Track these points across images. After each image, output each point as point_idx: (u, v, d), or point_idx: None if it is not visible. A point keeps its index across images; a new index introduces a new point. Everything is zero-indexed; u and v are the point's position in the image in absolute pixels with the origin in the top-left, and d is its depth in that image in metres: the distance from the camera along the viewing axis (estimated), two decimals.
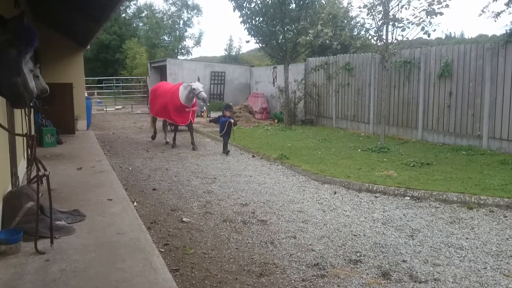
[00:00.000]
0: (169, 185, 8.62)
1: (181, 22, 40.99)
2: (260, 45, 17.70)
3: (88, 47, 18.25)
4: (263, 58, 35.78)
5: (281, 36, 16.74)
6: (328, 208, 7.02)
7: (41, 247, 4.60)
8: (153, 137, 14.48)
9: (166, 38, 40.58)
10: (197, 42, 42.67)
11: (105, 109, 28.05)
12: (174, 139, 13.55)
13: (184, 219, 6.47)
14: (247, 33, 17.19)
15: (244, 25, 16.83)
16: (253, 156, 11.63)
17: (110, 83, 34.43)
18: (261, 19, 16.45)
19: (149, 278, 3.99)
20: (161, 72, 26.07)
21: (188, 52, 42.22)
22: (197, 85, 12.28)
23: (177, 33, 40.51)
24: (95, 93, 33.69)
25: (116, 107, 29.53)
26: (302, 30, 14.45)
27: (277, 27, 16.39)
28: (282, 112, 18.39)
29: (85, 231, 5.24)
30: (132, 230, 5.25)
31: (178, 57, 38.15)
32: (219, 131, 12.27)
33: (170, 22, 40.22)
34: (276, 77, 20.75)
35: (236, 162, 10.96)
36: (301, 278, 4.52)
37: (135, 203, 7.21)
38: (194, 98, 12.52)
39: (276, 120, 18.94)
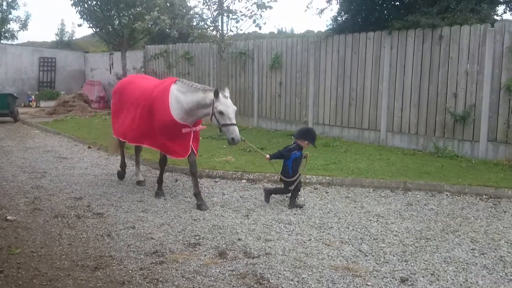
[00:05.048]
0: None
1: (4, 3, 36.27)
2: (94, 29, 16.75)
3: None
4: (99, 44, 33.72)
5: (116, 22, 16.06)
6: (169, 195, 7.04)
7: None
8: (121, 174, 8.11)
9: None
10: (24, 26, 38.23)
11: None
12: (122, 165, 8.15)
13: (8, 218, 5.86)
14: (80, 16, 16.13)
15: (75, 8, 15.73)
16: (89, 147, 11.03)
17: None
18: (94, 2, 15.54)
19: None
20: None
21: (13, 36, 37.56)
22: (227, 105, 6.18)
23: (0, 15, 35.76)
24: None
25: None
26: (139, 16, 14.07)
27: (112, 11, 15.67)
28: None
29: None
30: None
31: (1, 41, 33.80)
32: (284, 173, 6.53)
33: None
34: (113, 64, 19.92)
35: (70, 154, 10.27)
36: (139, 267, 4.46)
37: None
38: (202, 114, 6.50)
39: None
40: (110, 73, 19.98)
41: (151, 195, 7.02)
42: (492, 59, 8.93)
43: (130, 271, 4.40)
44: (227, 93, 6.29)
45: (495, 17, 11.09)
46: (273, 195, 6.74)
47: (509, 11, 11.87)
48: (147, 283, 4.16)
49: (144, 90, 7.00)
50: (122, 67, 16.70)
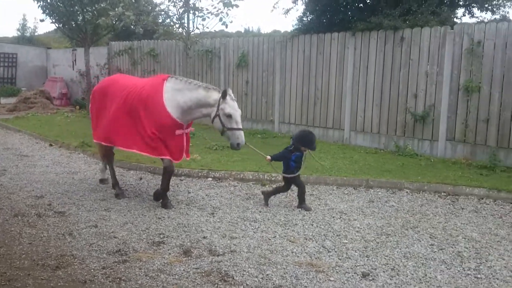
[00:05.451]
0: None
1: None
2: (57, 25, 16.29)
3: None
4: (62, 40, 32.83)
5: (80, 17, 15.67)
6: (133, 194, 6.96)
7: None
8: (119, 193, 6.83)
9: None
10: None
11: None
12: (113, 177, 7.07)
13: None
14: (42, 11, 15.64)
15: (37, 3, 15.25)
16: (51, 145, 10.76)
17: None
18: None
19: None
20: None
21: None
22: (235, 109, 5.95)
23: None
24: None
25: None
26: (103, 11, 13.78)
27: (76, 7, 15.28)
28: (85, 98, 17.33)
29: None
30: None
31: None
32: (288, 172, 6.42)
33: None
34: (76, 60, 19.45)
35: (31, 152, 9.99)
36: (101, 266, 4.40)
37: None
38: (200, 114, 6.20)
39: (77, 107, 17.75)
40: (73, 69, 19.51)
41: (114, 194, 6.91)
42: (451, 61, 9.24)
43: (92, 270, 4.34)
44: (233, 94, 5.98)
45: (455, 19, 11.46)
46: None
47: (468, 14, 12.28)
48: (109, 282, 4.11)
49: (131, 90, 6.34)
50: (85, 64, 16.32)
